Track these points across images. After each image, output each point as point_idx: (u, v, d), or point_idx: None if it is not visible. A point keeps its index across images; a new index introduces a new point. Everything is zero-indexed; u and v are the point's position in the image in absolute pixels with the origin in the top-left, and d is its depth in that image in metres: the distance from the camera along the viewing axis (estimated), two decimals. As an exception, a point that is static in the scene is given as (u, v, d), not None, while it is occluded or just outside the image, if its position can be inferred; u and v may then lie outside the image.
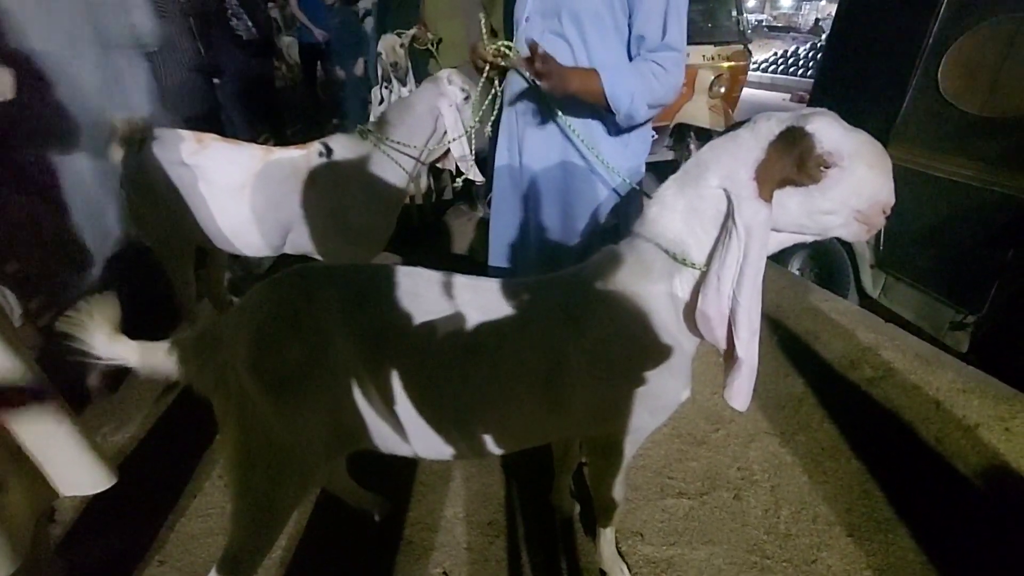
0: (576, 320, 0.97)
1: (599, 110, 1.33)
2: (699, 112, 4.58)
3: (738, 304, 0.85)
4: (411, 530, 1.53)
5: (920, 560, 1.46)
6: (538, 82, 1.22)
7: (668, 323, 0.96)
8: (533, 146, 1.47)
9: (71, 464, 1.03)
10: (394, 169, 1.82)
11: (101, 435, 1.81)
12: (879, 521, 1.57)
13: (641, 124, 1.41)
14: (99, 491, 1.07)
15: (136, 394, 2.00)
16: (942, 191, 2.26)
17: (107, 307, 0.94)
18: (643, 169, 1.51)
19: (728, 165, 0.85)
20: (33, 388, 0.96)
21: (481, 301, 1.00)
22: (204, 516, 1.56)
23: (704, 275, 0.89)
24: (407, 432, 1.01)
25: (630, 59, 1.32)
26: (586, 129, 1.38)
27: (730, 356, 0.90)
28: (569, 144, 1.42)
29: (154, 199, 1.74)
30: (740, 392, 0.90)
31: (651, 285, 0.95)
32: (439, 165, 1.99)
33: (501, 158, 1.58)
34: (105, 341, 0.94)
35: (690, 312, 0.94)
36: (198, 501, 1.61)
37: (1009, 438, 1.85)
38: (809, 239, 0.90)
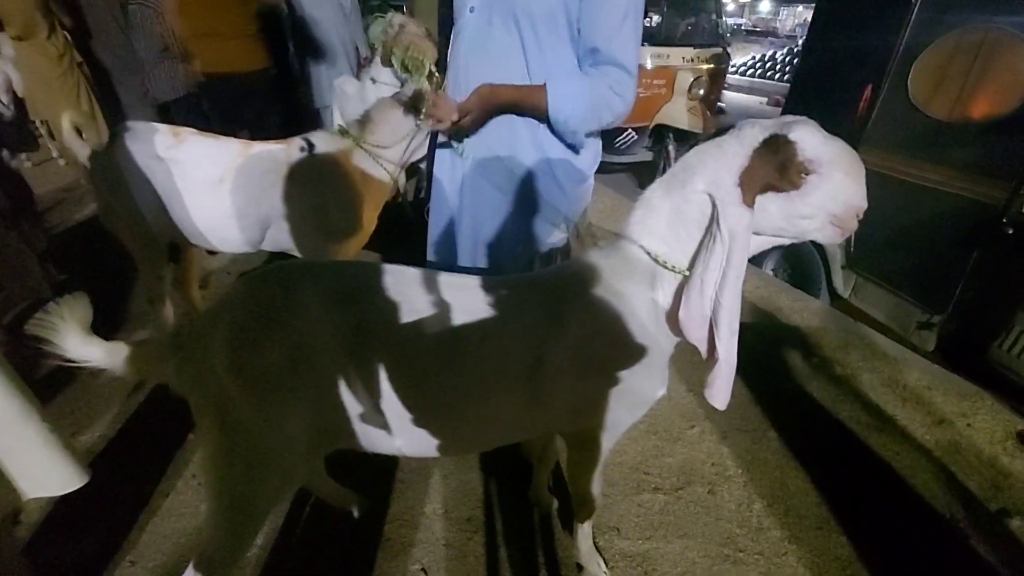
0: (558, 318, 0.98)
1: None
2: (678, 113, 4.63)
3: (720, 306, 0.87)
4: (390, 527, 1.53)
5: (885, 551, 1.52)
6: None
7: (648, 323, 0.98)
8: (477, 141, 1.37)
9: (38, 464, 1.00)
10: (376, 167, 1.81)
11: (69, 434, 1.76)
12: (846, 514, 1.62)
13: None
14: (68, 491, 1.04)
15: (105, 392, 1.95)
16: (911, 195, 2.34)
17: (78, 308, 0.92)
18: (591, 178, 1.46)
19: (714, 170, 0.87)
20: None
21: (464, 298, 1.01)
22: (177, 515, 1.54)
23: (687, 279, 0.91)
24: (389, 429, 1.01)
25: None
26: (535, 126, 1.32)
27: (711, 356, 0.92)
28: (517, 139, 1.33)
29: (126, 193, 1.70)
30: (720, 390, 0.92)
31: (633, 286, 0.97)
32: (422, 165, 1.99)
33: (441, 152, 1.49)
34: (77, 343, 0.91)
35: (671, 313, 0.96)
36: (171, 500, 1.58)
37: (970, 433, 1.93)
38: (786, 241, 0.93)
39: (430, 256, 1.58)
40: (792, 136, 0.83)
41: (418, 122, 1.76)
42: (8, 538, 1.23)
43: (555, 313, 0.99)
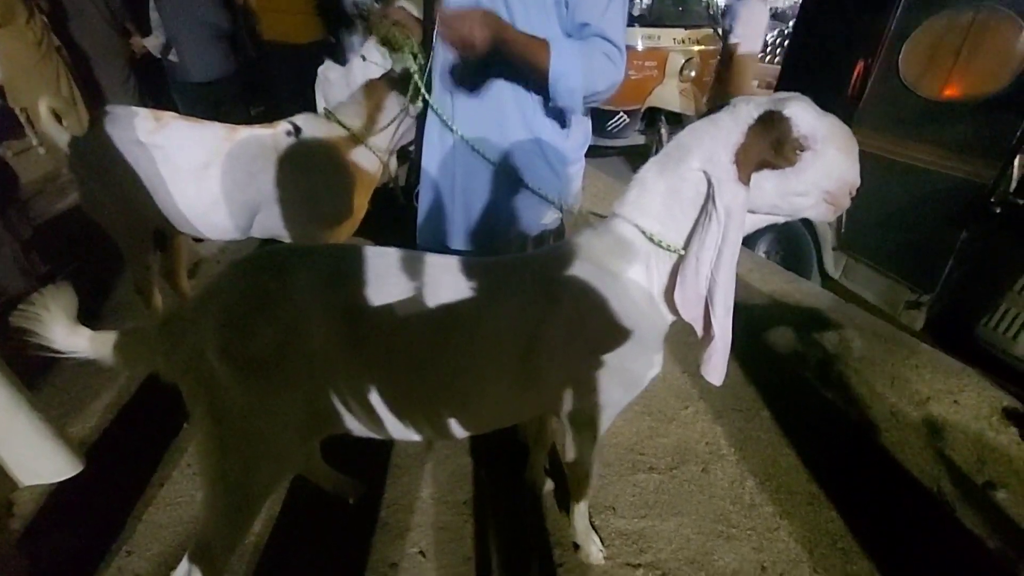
0: (551, 298, 0.98)
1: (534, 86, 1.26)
2: (670, 96, 4.60)
3: (715, 284, 0.87)
4: (386, 512, 1.53)
5: (875, 524, 1.55)
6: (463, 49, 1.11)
7: (642, 302, 0.98)
8: (466, 117, 1.34)
9: (32, 452, 0.99)
10: (365, 152, 1.78)
11: (62, 424, 1.74)
12: (837, 490, 1.65)
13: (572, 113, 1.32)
14: (63, 479, 1.04)
15: (97, 382, 1.93)
16: (901, 175, 2.35)
17: (63, 298, 0.90)
18: (582, 160, 1.45)
19: (709, 148, 0.86)
20: None
21: (457, 280, 1.00)
22: (173, 505, 1.53)
23: (683, 258, 0.91)
24: (382, 414, 1.01)
25: None
26: (525, 106, 1.30)
27: (706, 334, 0.92)
28: (506, 118, 1.31)
29: (108, 180, 1.66)
30: (716, 367, 0.93)
31: (627, 265, 0.97)
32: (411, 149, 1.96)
33: (430, 135, 1.44)
34: (63, 333, 0.90)
35: (666, 293, 0.95)
36: (166, 490, 1.57)
37: (957, 410, 1.96)
38: (780, 220, 0.93)
39: (421, 240, 1.55)
40: (787, 112, 0.82)
41: (404, 102, 1.73)
42: (2, 530, 1.23)
43: (548, 293, 0.99)
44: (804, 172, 0.83)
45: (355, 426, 1.04)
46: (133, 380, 1.93)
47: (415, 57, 1.33)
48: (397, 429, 1.04)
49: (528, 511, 1.55)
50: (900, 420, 1.93)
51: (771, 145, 0.82)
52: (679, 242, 0.93)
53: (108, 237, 1.84)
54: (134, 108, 1.70)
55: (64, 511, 1.48)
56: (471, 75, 1.29)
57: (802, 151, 0.82)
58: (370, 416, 1.01)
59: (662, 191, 0.92)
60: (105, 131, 1.62)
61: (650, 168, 0.95)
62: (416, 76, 1.38)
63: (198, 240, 2.08)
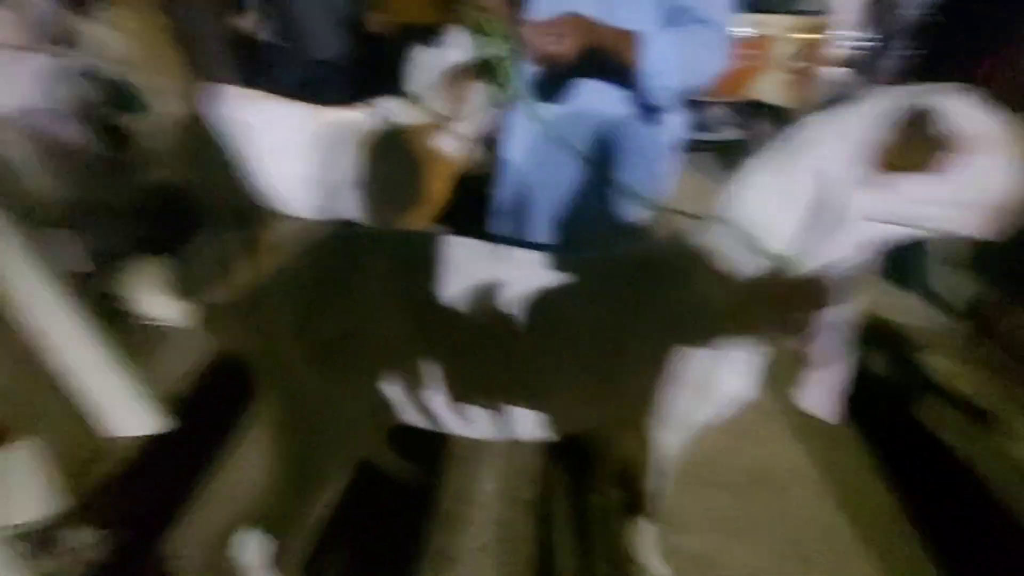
0: (640, 304, 0.91)
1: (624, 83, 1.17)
2: (773, 87, 4.27)
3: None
4: (448, 502, 1.53)
5: (962, 565, 1.38)
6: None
7: (741, 316, 0.89)
8: (551, 109, 1.27)
9: (122, 406, 1.06)
10: (448, 138, 1.77)
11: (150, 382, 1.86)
12: (924, 525, 1.48)
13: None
14: (148, 434, 1.11)
15: (186, 345, 2.03)
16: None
17: (154, 267, 0.95)
18: (676, 155, 1.35)
19: (833, 146, 0.75)
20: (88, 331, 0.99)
21: (536, 275, 0.95)
22: (248, 469, 1.59)
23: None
24: (451, 409, 0.99)
25: None
26: (614, 101, 1.22)
27: (812, 356, 0.82)
28: (596, 107, 1.24)
29: (204, 155, 1.75)
30: (823, 397, 0.82)
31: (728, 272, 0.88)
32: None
33: (513, 123, 1.39)
34: (152, 301, 0.94)
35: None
36: (243, 452, 1.64)
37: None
38: (916, 234, 0.79)
39: (498, 231, 1.51)
40: (936, 107, 0.69)
41: (490, 89, 1.70)
42: (94, 475, 1.34)
43: (638, 297, 0.92)
44: (953, 179, 0.70)
45: (418, 418, 1.03)
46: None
47: (505, 40, 1.28)
48: (460, 425, 1.02)
49: (594, 519, 1.49)
50: (1011, 452, 1.69)
51: (914, 145, 0.70)
52: (790, 250, 0.82)
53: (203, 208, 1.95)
54: (232, 88, 1.77)
55: (150, 465, 1.58)
56: (557, 81, 1.24)
57: (953, 153, 0.69)
58: (438, 410, 0.99)
59: (773, 194, 0.82)
60: (204, 110, 1.71)
61: (759, 166, 0.85)
62: (504, 62, 1.34)
63: (283, 217, 2.17)
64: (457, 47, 1.69)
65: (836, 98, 0.81)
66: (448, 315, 0.93)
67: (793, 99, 4.26)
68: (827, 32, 4.51)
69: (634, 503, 1.27)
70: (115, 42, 3.36)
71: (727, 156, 4.78)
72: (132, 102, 2.30)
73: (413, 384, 0.97)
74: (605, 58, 1.09)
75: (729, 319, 0.88)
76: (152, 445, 1.34)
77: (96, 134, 1.94)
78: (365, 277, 0.92)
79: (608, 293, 0.93)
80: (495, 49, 1.27)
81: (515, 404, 0.99)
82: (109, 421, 1.08)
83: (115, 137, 2.95)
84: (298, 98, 1.85)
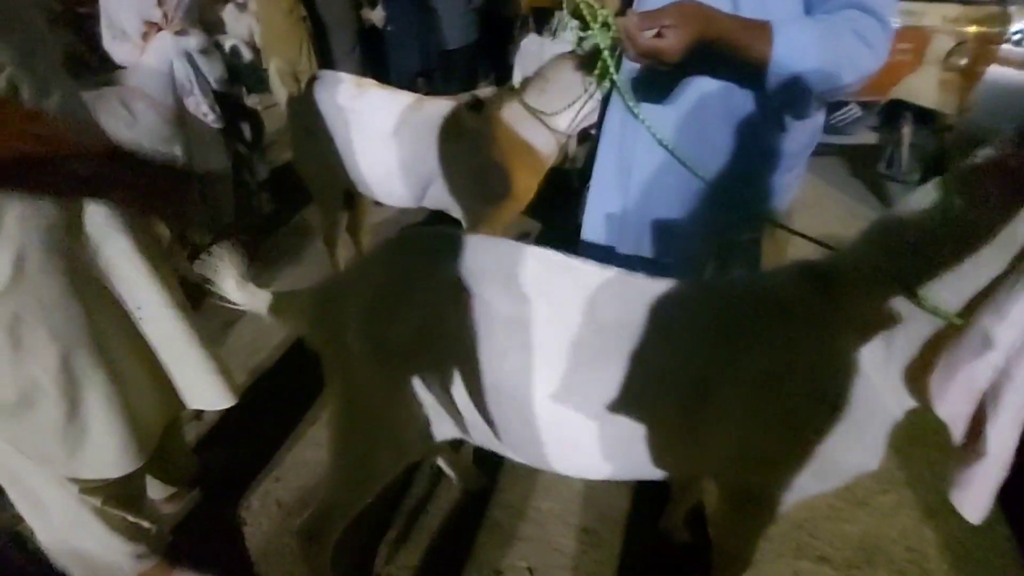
0: (740, 341, 0.76)
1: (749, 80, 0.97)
2: (925, 87, 3.68)
3: (1008, 380, 0.56)
4: (501, 513, 1.45)
5: None
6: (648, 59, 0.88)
7: (873, 376, 0.70)
8: (655, 108, 1.09)
9: (197, 380, 1.11)
10: (542, 131, 1.66)
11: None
12: None
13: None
14: (220, 408, 1.15)
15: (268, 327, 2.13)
16: None
17: (234, 254, 0.95)
18: (803, 164, 1.14)
19: None
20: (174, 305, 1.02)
21: (619, 295, 0.83)
22: (318, 446, 1.63)
23: (960, 328, 0.61)
24: (512, 434, 0.89)
25: None
26: (732, 100, 1.02)
27: (970, 445, 0.62)
28: (709, 104, 1.05)
29: (312, 139, 1.80)
30: (977, 496, 0.62)
31: None
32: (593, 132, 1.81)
33: (611, 118, 1.22)
34: (234, 287, 0.95)
35: (911, 369, 0.66)
36: (314, 430, 1.69)
37: None
38: None
39: (586, 234, 1.36)
40: None
41: (590, 82, 1.56)
42: (179, 437, 1.42)
43: (737, 333, 0.77)
44: None
45: (477, 436, 0.95)
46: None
47: (608, 28, 1.14)
48: (520, 451, 0.92)
49: (658, 564, 1.34)
50: None
51: None
52: (955, 305, 0.63)
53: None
54: (340, 74, 1.81)
55: (235, 430, 1.68)
56: (664, 81, 1.06)
57: None
58: (494, 432, 0.90)
59: (947, 232, 0.62)
60: (314, 94, 1.75)
61: (924, 196, 0.65)
62: (605, 53, 1.19)
63: (378, 204, 2.20)
64: (561, 35, 1.58)
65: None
66: (521, 334, 0.83)
67: (948, 103, 3.65)
68: (1002, 25, 3.83)
69: (714, 562, 1.10)
70: (253, 27, 3.64)
71: (853, 162, 4.21)
72: (258, 83, 2.45)
73: (469, 402, 0.88)
74: (724, 54, 0.91)
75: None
76: (233, 414, 1.44)
77: (224, 111, 2.05)
78: (440, 284, 0.86)
79: (697, 330, 0.79)
80: (598, 39, 1.13)
81: (581, 440, 0.87)
82: (187, 393, 1.12)
83: (239, 114, 3.19)
84: (415, 88, 1.85)
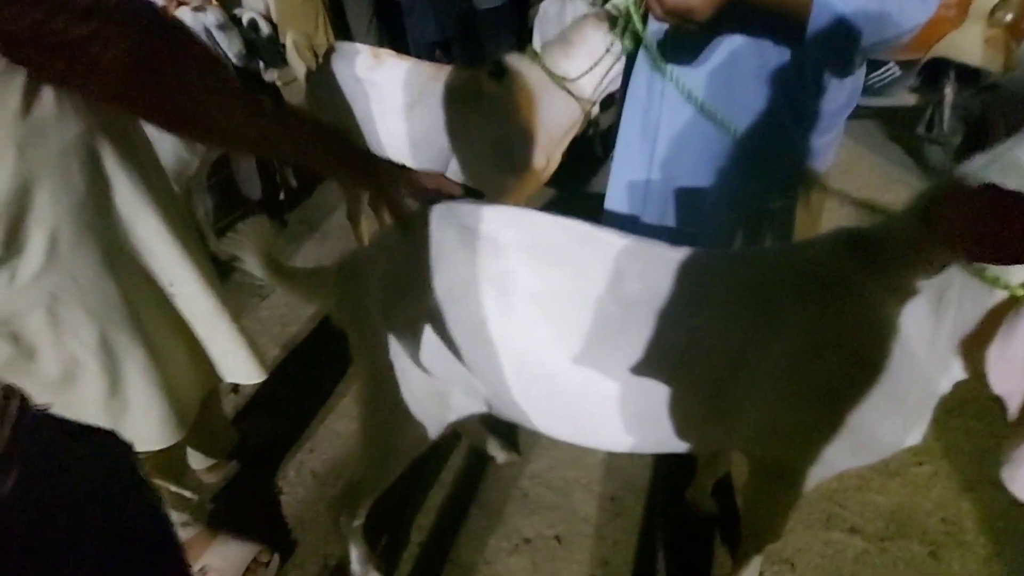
0: (775, 314, 0.73)
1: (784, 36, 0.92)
2: (969, 44, 3.45)
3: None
4: (528, 483, 1.47)
5: None
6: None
7: (919, 350, 0.67)
8: (684, 69, 1.05)
9: (231, 355, 1.11)
10: (566, 99, 1.61)
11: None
12: None
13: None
14: (251, 382, 1.17)
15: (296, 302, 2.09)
16: None
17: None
18: (841, 126, 1.09)
19: None
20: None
21: (646, 268, 0.81)
22: (351, 418, 1.67)
23: (1019, 300, 0.58)
24: (535, 406, 0.89)
25: None
26: (766, 56, 0.97)
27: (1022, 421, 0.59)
28: (740, 62, 1.00)
29: (331, 112, 1.78)
30: None
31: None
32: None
33: (636, 81, 1.17)
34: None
35: (965, 343, 0.63)
36: (345, 402, 1.72)
37: None
38: None
39: (609, 203, 1.32)
40: None
41: (615, 44, 1.50)
42: (217, 408, 1.46)
43: (772, 307, 0.74)
44: None
45: (502, 410, 0.95)
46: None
47: None
48: (542, 423, 0.92)
49: (684, 533, 1.35)
50: None
51: None
52: (1017, 276, 0.59)
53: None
54: (358, 45, 1.78)
55: (271, 403, 1.73)
56: (691, 41, 1.00)
57: None
58: (520, 405, 0.90)
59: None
60: (331, 66, 1.72)
61: (982, 164, 0.61)
62: (632, 10, 1.14)
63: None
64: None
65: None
66: (543, 307, 0.81)
67: (994, 61, 3.42)
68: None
69: (743, 535, 1.10)
70: (269, 1, 3.60)
71: (890, 124, 4.01)
72: (276, 57, 2.44)
73: (495, 376, 0.88)
74: (759, 5, 0.86)
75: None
76: (268, 386, 1.48)
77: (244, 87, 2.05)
78: (460, 255, 0.84)
79: (730, 304, 0.76)
80: None
81: (608, 413, 0.86)
82: (221, 367, 1.14)
83: (259, 90, 3.17)
84: (433, 58, 1.81)
